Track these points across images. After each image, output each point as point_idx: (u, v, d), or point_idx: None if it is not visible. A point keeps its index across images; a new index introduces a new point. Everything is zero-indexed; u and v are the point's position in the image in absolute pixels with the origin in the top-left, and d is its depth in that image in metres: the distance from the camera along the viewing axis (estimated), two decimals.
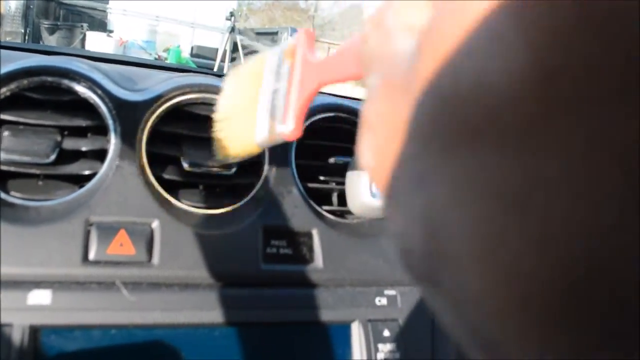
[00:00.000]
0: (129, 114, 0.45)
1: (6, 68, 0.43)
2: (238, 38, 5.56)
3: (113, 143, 0.44)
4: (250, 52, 5.74)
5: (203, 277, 0.41)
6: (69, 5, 6.06)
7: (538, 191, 0.11)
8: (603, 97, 0.10)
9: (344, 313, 0.45)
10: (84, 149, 0.44)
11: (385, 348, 0.45)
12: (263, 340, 0.43)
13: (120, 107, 0.45)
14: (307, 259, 0.45)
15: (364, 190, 0.46)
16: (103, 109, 0.45)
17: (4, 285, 0.37)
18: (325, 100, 0.53)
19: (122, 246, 0.40)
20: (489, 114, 0.12)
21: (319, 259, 0.46)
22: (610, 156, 0.10)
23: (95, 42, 4.96)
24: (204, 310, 0.41)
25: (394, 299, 0.47)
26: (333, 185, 0.51)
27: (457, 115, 0.12)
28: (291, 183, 0.48)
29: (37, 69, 0.44)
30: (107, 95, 0.45)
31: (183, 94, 0.48)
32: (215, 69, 4.96)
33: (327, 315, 0.45)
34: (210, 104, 0.49)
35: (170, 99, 0.47)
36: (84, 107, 0.45)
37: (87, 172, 0.43)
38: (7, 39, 4.58)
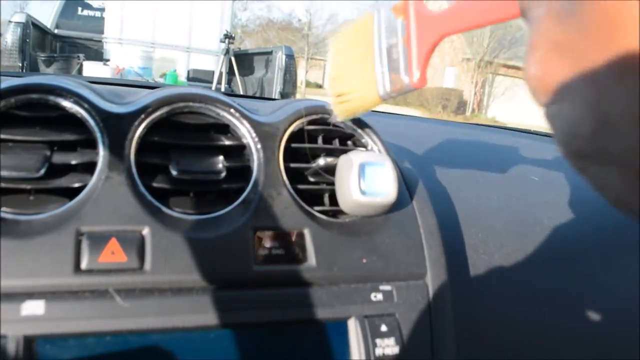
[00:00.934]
0: (116, 126, 0.46)
1: None
2: (234, 60, 5.60)
3: (102, 155, 0.44)
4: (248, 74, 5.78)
5: (196, 280, 0.42)
6: (65, 38, 6.12)
7: None
8: None
9: (340, 310, 0.45)
10: (73, 162, 0.45)
11: (383, 343, 0.45)
12: (259, 341, 0.43)
13: (108, 119, 0.46)
14: (300, 259, 0.46)
15: (354, 188, 0.46)
16: (90, 122, 0.45)
17: None
18: (309, 103, 0.53)
19: (114, 254, 0.40)
20: None
21: (311, 258, 0.46)
22: None
23: (92, 71, 5.00)
24: (199, 313, 0.41)
25: (389, 294, 0.48)
26: (324, 186, 0.52)
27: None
28: (280, 185, 0.48)
29: (23, 87, 0.45)
30: (93, 108, 0.46)
31: (169, 104, 0.48)
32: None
33: (322, 313, 0.45)
34: (196, 113, 0.50)
35: (157, 109, 0.48)
36: (72, 122, 0.46)
37: (77, 185, 0.44)
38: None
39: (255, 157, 0.49)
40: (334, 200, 0.51)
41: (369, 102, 0.45)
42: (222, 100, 0.50)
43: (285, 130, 0.51)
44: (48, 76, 0.49)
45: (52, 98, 0.46)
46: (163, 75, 5.39)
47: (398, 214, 0.51)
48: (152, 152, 0.47)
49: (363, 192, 0.46)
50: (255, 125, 0.50)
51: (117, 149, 0.45)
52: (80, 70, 5.06)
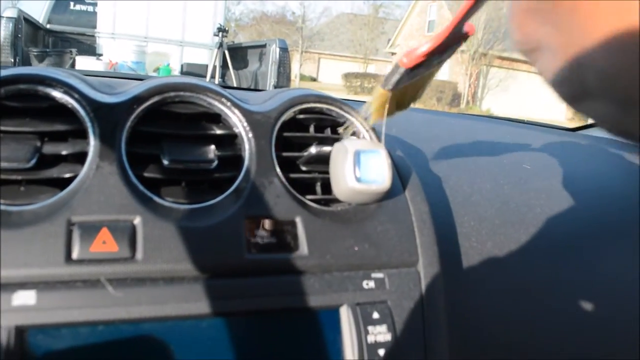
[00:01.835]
0: (107, 116, 0.46)
1: None
2: (227, 53, 5.58)
3: (92, 145, 0.44)
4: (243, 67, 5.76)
5: (188, 269, 0.42)
6: (58, 33, 6.08)
7: None
8: None
9: (332, 298, 0.45)
10: (64, 152, 0.44)
11: (375, 330, 0.46)
12: (252, 329, 0.43)
13: (98, 109, 0.46)
14: (292, 247, 0.46)
15: (349, 175, 0.47)
16: (81, 112, 0.45)
17: None
18: (300, 92, 0.53)
19: (105, 244, 0.40)
20: None
21: (303, 246, 0.46)
22: None
23: (85, 65, 4.98)
24: (191, 302, 0.41)
25: (381, 282, 0.48)
26: (316, 174, 0.52)
27: None
28: (272, 174, 0.48)
29: (13, 77, 0.45)
30: (84, 98, 0.46)
31: (160, 93, 0.48)
32: None
33: (314, 300, 0.45)
34: (187, 102, 0.49)
35: (148, 99, 0.48)
36: (63, 112, 0.46)
37: (68, 175, 0.44)
38: None
39: (247, 146, 0.49)
40: (325, 189, 0.51)
41: (377, 97, 0.49)
42: (213, 90, 0.50)
43: (277, 119, 0.51)
44: (38, 67, 0.49)
45: (41, 88, 0.46)
46: (156, 70, 5.37)
47: (390, 202, 0.52)
48: (143, 142, 0.47)
49: (358, 180, 0.46)
50: (246, 114, 0.50)
51: (108, 139, 0.45)
52: (73, 65, 5.04)
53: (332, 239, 0.47)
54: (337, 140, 0.50)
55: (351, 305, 0.46)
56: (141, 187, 0.44)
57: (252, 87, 5.54)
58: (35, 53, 5.02)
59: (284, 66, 5.15)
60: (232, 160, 0.49)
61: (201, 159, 0.47)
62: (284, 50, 5.20)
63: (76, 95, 0.46)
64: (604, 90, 0.24)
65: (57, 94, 0.46)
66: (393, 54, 25.14)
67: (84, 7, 6.36)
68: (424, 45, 0.44)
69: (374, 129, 0.56)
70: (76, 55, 5.20)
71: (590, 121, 1.09)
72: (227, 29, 5.79)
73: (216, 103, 0.50)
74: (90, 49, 6.06)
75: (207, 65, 5.82)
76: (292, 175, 0.50)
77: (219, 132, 0.50)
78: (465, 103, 18.32)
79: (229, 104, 0.50)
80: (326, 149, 0.51)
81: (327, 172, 0.50)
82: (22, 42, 4.87)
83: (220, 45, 5.52)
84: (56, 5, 6.16)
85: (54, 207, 0.41)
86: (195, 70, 5.91)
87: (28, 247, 0.39)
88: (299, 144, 0.52)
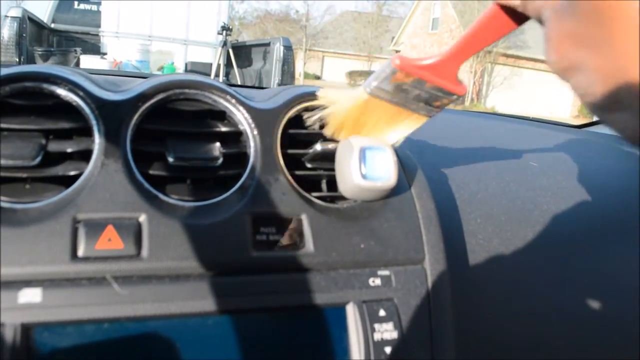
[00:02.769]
0: (112, 113, 0.46)
1: None
2: (231, 52, 5.58)
3: (97, 143, 0.44)
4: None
5: (193, 267, 0.41)
6: (62, 32, 6.09)
7: None
8: None
9: (338, 295, 0.45)
10: (69, 150, 0.44)
11: (382, 328, 0.45)
12: (257, 327, 0.43)
13: (103, 107, 0.46)
14: (298, 244, 0.45)
15: (355, 172, 0.46)
16: (86, 110, 0.45)
17: None
18: (305, 89, 0.53)
19: (111, 241, 0.40)
20: None
21: (309, 244, 0.46)
22: None
23: (90, 64, 4.99)
24: (196, 299, 0.41)
25: (388, 279, 0.47)
26: (321, 172, 0.51)
27: None
28: (278, 171, 0.48)
29: (18, 75, 0.45)
30: (89, 96, 0.46)
31: (164, 90, 0.48)
32: None
33: (320, 298, 0.45)
34: (192, 100, 0.49)
35: (152, 96, 0.47)
36: (68, 110, 0.46)
37: (73, 173, 0.43)
38: None
39: (252, 143, 0.49)
40: (331, 186, 0.51)
41: (353, 98, 0.48)
42: (218, 87, 0.50)
43: (282, 116, 0.50)
44: (43, 65, 0.48)
45: (46, 86, 0.45)
46: (161, 69, 5.38)
47: (396, 199, 0.51)
48: (148, 140, 0.47)
49: (364, 176, 0.46)
50: (251, 111, 0.49)
51: (113, 137, 0.45)
52: (77, 64, 5.05)
53: (338, 236, 0.47)
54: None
55: (357, 303, 0.46)
56: (146, 185, 0.44)
57: (257, 85, 5.54)
58: (39, 52, 5.03)
59: (288, 64, 5.15)
60: (237, 157, 0.49)
61: (206, 157, 0.46)
62: (288, 48, 5.20)
63: (81, 93, 0.46)
64: (634, 103, 0.29)
65: (62, 91, 0.45)
66: (397, 51, 25.10)
67: (88, 7, 6.37)
68: (426, 59, 0.44)
69: None
70: (80, 54, 5.20)
71: (595, 118, 1.09)
72: (231, 27, 5.79)
73: (221, 100, 0.49)
74: (94, 48, 6.07)
75: (211, 64, 5.83)
76: (298, 173, 0.50)
77: (224, 129, 0.49)
78: (469, 101, 18.27)
79: (233, 101, 0.49)
80: (331, 145, 0.50)
81: (333, 169, 0.50)
82: (26, 42, 4.88)
83: (225, 43, 5.53)
84: (60, 5, 6.17)
85: (59, 205, 0.41)
86: (200, 69, 5.91)
87: (34, 244, 0.39)
88: (304, 141, 0.52)
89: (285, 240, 0.45)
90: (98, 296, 0.39)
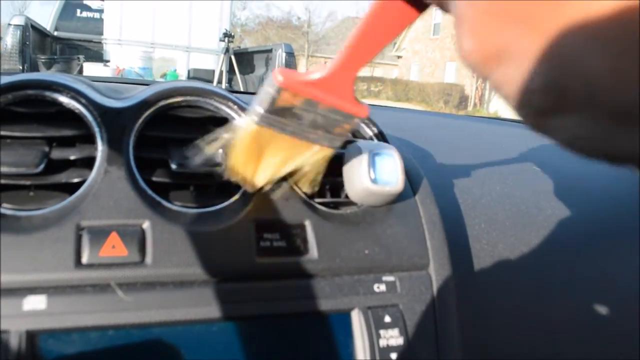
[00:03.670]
0: (114, 120, 0.46)
1: None
2: (233, 59, 5.59)
3: (100, 150, 0.44)
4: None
5: (197, 273, 0.41)
6: (65, 40, 6.12)
7: None
8: None
9: (343, 301, 0.45)
10: (72, 157, 0.44)
11: (387, 334, 0.45)
12: (262, 333, 0.43)
13: (105, 114, 0.46)
14: (302, 251, 0.45)
15: (365, 176, 0.46)
16: (88, 117, 0.45)
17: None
18: None
19: (115, 248, 0.40)
20: None
21: (313, 250, 0.45)
22: None
23: (93, 72, 5.01)
24: (201, 306, 0.41)
25: (392, 285, 0.47)
26: (324, 177, 0.51)
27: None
28: (281, 178, 0.48)
29: (20, 83, 0.45)
30: (91, 104, 0.46)
31: (167, 97, 0.48)
32: None
33: (325, 304, 0.44)
34: (194, 106, 0.49)
35: (154, 103, 0.48)
36: (70, 118, 0.46)
37: (76, 180, 0.43)
38: None
39: None
40: (334, 192, 0.51)
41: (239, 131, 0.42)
42: (220, 94, 0.50)
43: None
44: (45, 73, 0.49)
45: (49, 94, 0.46)
46: (163, 75, 5.40)
47: (400, 204, 0.51)
48: (151, 146, 0.47)
49: (374, 181, 0.46)
50: None
51: (115, 144, 0.45)
52: (80, 71, 5.07)
53: (342, 242, 0.47)
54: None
55: (362, 309, 0.45)
56: (149, 192, 0.44)
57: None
58: (43, 60, 5.06)
59: None
60: None
61: (209, 163, 0.46)
62: (290, 54, 5.21)
63: (83, 100, 0.46)
64: (590, 101, 0.19)
65: (64, 99, 0.46)
66: (399, 57, 25.10)
67: (90, 14, 6.41)
68: (313, 73, 0.37)
69: (381, 132, 0.56)
70: (84, 61, 5.23)
71: None
72: (233, 34, 5.81)
73: (223, 107, 0.50)
74: (97, 56, 6.10)
75: (213, 71, 5.85)
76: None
77: (226, 135, 0.49)
78: (472, 105, 18.26)
79: (235, 107, 0.50)
80: (337, 153, 0.50)
81: (336, 175, 0.50)
82: (29, 50, 4.90)
83: (227, 50, 5.54)
84: (63, 13, 6.20)
85: (63, 212, 0.41)
86: (202, 76, 5.93)
87: (38, 251, 0.39)
88: None
89: (288, 246, 0.45)
90: (102, 303, 0.39)
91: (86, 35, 6.20)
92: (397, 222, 0.50)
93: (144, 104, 0.47)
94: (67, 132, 0.45)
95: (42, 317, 0.37)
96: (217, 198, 0.46)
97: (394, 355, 0.45)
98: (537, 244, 0.60)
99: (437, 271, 0.50)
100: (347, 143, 0.50)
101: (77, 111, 0.46)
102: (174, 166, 0.45)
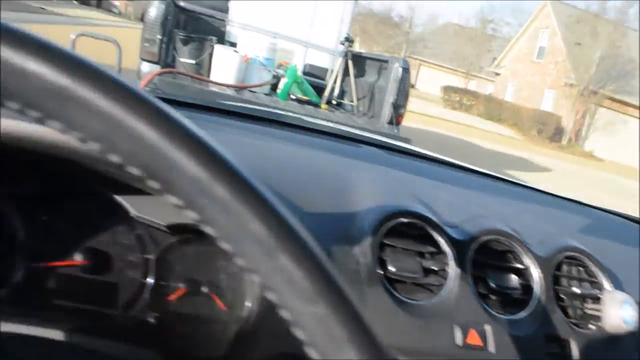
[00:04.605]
0: (458, 245, 0.73)
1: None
2: (350, 63, 5.83)
3: (451, 265, 0.71)
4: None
5: None
6: (189, 11, 6.09)
7: None
8: None
9: None
10: (434, 268, 0.71)
11: None
12: None
13: (453, 240, 0.73)
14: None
15: (620, 317, 0.71)
16: (445, 246, 0.72)
17: None
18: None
19: (473, 338, 0.66)
20: None
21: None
22: None
23: (222, 56, 5.33)
24: None
25: None
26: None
27: None
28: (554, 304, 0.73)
29: (400, 211, 0.72)
30: (446, 235, 0.73)
31: (487, 234, 0.75)
32: (326, 92, 5.32)
33: None
34: (501, 242, 0.76)
35: (481, 237, 0.74)
36: (426, 237, 0.73)
37: (436, 284, 0.71)
38: (146, 44, 5.08)
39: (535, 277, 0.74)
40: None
41: None
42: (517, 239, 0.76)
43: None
44: (413, 204, 0.76)
45: (421, 224, 0.73)
46: (280, 67, 5.68)
47: None
48: (479, 268, 0.73)
49: (626, 322, 0.71)
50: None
51: (460, 261, 0.71)
52: (211, 54, 5.40)
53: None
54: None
55: None
56: (484, 302, 0.70)
57: (368, 98, 5.81)
58: (181, 36, 5.39)
59: (404, 85, 5.38)
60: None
61: (514, 285, 0.72)
62: (406, 70, 5.41)
63: (444, 235, 0.72)
64: None
65: (433, 232, 0.73)
66: (497, 74, 24.51)
67: None
68: None
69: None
70: (215, 44, 5.54)
71: None
72: (352, 39, 6.04)
73: (520, 249, 0.76)
74: (219, 34, 6.16)
75: (327, 69, 6.11)
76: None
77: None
78: (567, 140, 17.68)
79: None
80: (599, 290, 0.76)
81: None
82: (169, 24, 5.25)
83: (346, 54, 5.79)
84: None
85: (436, 306, 0.68)
86: (317, 72, 6.20)
87: (426, 332, 0.66)
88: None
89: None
90: None
91: (208, 11, 6.33)
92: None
93: (476, 238, 0.74)
94: (432, 249, 0.72)
95: None
96: (515, 306, 0.72)
97: None
98: None
99: None
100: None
101: (436, 239, 0.73)
102: (492, 285, 0.72)
